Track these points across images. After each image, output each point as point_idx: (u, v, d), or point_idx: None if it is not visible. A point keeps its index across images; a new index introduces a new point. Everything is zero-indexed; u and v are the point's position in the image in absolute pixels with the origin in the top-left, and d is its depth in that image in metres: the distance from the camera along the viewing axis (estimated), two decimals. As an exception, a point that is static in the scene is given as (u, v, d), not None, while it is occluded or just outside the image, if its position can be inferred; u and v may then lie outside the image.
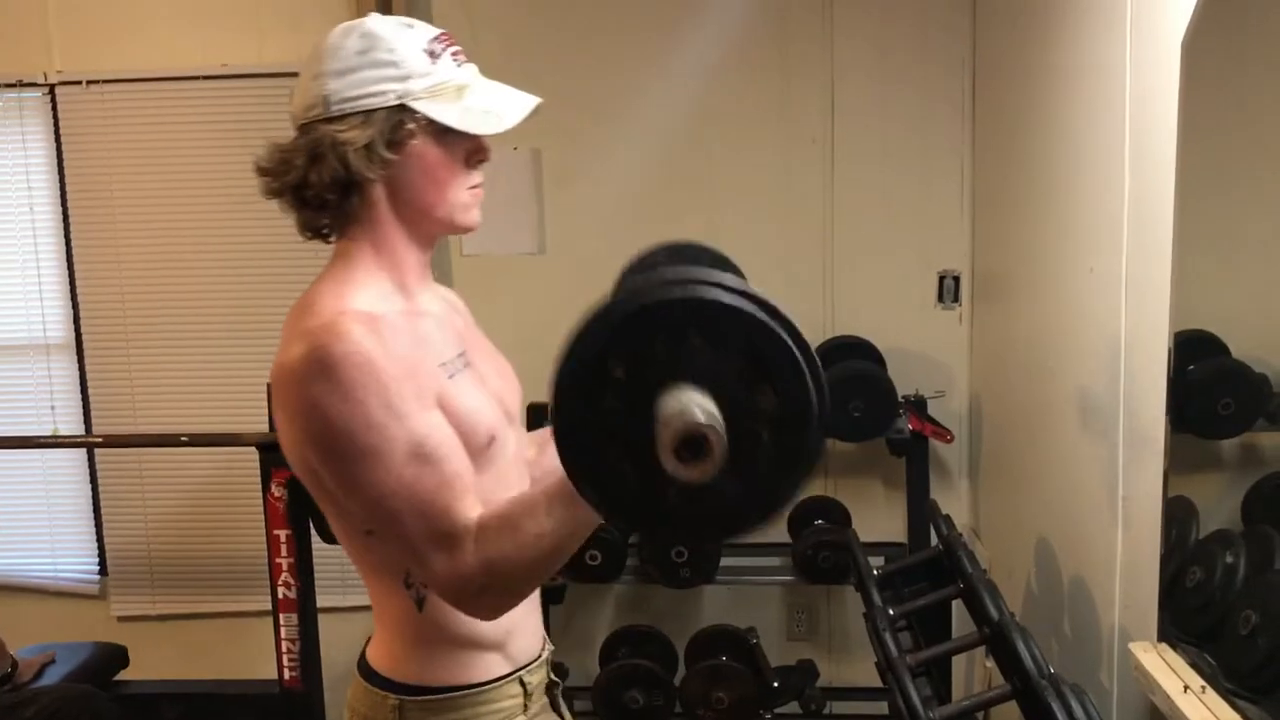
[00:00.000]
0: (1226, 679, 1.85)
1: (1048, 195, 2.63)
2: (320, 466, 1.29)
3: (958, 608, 2.30)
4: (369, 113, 1.30)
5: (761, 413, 1.02)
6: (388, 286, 1.38)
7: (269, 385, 1.34)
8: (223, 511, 3.54)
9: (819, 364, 1.05)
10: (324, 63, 1.32)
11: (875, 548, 3.09)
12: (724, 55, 3.35)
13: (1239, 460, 2.13)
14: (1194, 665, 1.84)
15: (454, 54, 1.36)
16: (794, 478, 1.05)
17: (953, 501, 3.36)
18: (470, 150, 1.37)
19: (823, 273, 3.41)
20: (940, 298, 3.40)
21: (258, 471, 2.76)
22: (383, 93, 1.30)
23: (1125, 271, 2.05)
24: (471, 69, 1.39)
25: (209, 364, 3.47)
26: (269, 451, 2.68)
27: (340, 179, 1.31)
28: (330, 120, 1.30)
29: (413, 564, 1.32)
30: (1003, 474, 3.14)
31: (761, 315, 1.03)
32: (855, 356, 3.21)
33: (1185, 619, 1.92)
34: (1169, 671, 1.84)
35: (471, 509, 1.28)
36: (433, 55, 1.33)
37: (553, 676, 1.59)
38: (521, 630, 1.48)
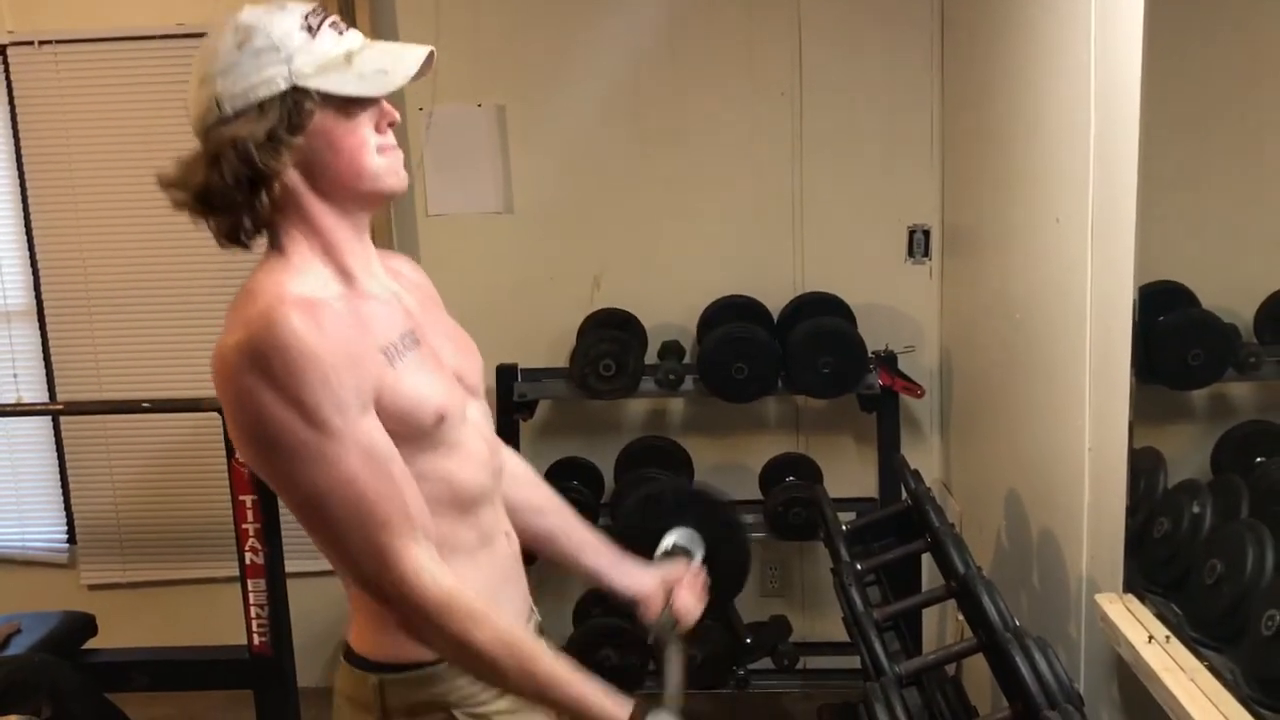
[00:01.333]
0: (1192, 628, 1.85)
1: (1014, 146, 2.61)
2: (254, 459, 1.27)
3: (928, 562, 2.30)
4: (263, 103, 1.27)
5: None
6: (326, 272, 1.34)
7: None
8: (190, 478, 3.51)
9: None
10: (206, 66, 1.28)
11: (846, 503, 3.10)
12: (690, 8, 3.30)
13: (1208, 411, 2.14)
14: (1160, 616, 1.84)
15: (331, 24, 1.31)
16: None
17: (924, 456, 3.36)
18: (376, 115, 1.33)
19: (792, 228, 3.38)
20: (910, 253, 3.39)
21: (221, 437, 2.73)
22: (270, 79, 1.26)
23: (1091, 221, 2.03)
24: (354, 34, 1.34)
25: (172, 329, 3.42)
26: (232, 416, 2.65)
27: (245, 176, 1.26)
28: (228, 121, 1.27)
29: (344, 568, 1.31)
30: (973, 428, 3.14)
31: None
32: (825, 312, 3.20)
33: (1153, 570, 1.92)
34: (1134, 622, 1.85)
35: (417, 535, 1.28)
36: (310, 30, 1.28)
37: None
38: (501, 599, 1.46)
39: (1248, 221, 1.91)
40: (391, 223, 3.31)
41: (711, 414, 3.40)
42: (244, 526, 2.70)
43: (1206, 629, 1.82)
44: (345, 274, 1.36)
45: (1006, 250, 2.68)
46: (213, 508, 3.40)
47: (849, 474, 3.40)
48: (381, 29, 3.27)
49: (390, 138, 1.36)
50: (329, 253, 1.34)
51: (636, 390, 3.12)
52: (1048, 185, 2.33)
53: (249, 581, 2.73)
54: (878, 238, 3.39)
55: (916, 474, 2.43)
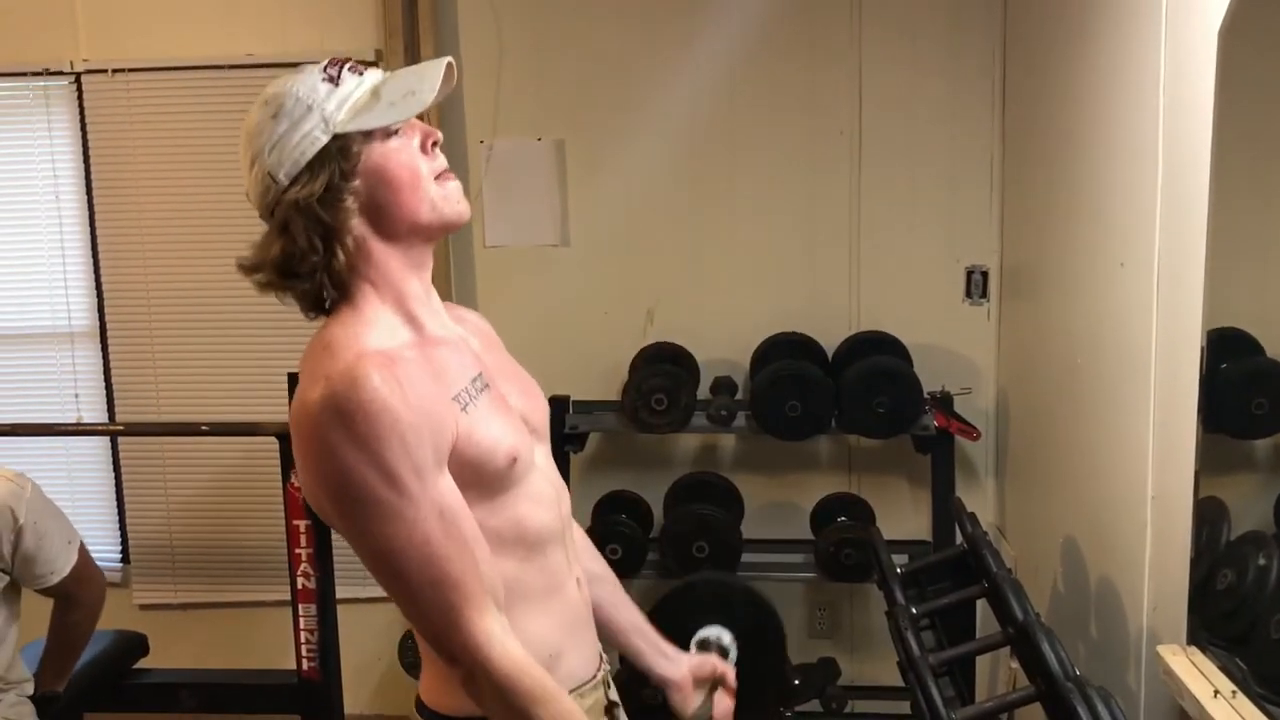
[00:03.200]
0: (1258, 684, 1.81)
1: (1078, 189, 2.58)
2: (332, 511, 1.28)
3: (983, 608, 2.26)
4: (311, 162, 1.30)
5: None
6: (395, 320, 1.35)
7: (289, 422, 1.32)
8: (243, 500, 3.54)
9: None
10: (251, 148, 1.32)
11: (899, 546, 3.06)
12: (750, 45, 3.31)
13: (1272, 461, 2.08)
14: (1224, 669, 1.80)
15: (350, 69, 1.35)
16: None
17: (978, 500, 3.32)
18: (419, 138, 1.35)
19: (849, 266, 3.37)
20: (968, 293, 3.36)
21: (278, 461, 2.76)
22: (311, 136, 1.30)
23: (1157, 266, 2.00)
24: (374, 72, 1.37)
25: (231, 353, 3.47)
26: (289, 441, 2.66)
27: (316, 234, 1.29)
28: (286, 190, 1.30)
29: (418, 627, 1.32)
30: (1030, 473, 3.10)
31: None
32: (881, 352, 3.17)
33: (1216, 622, 1.87)
34: (1198, 675, 1.80)
35: (487, 603, 1.29)
36: (333, 80, 1.32)
37: (611, 696, 1.56)
38: (569, 651, 1.45)
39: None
40: (450, 254, 3.34)
41: (763, 451, 3.38)
42: (297, 551, 2.72)
43: (1273, 684, 1.78)
44: (413, 321, 1.37)
45: (1067, 293, 2.65)
46: (263, 531, 3.44)
47: (902, 516, 3.36)
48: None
49: (443, 161, 1.38)
50: (399, 302, 1.36)
51: (688, 425, 3.11)
52: (1112, 229, 2.30)
53: (300, 606, 2.75)
54: (935, 277, 3.36)
55: (973, 517, 2.40)
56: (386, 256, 1.34)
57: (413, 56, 3.29)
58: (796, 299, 3.35)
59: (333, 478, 1.24)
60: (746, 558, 3.10)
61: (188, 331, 3.52)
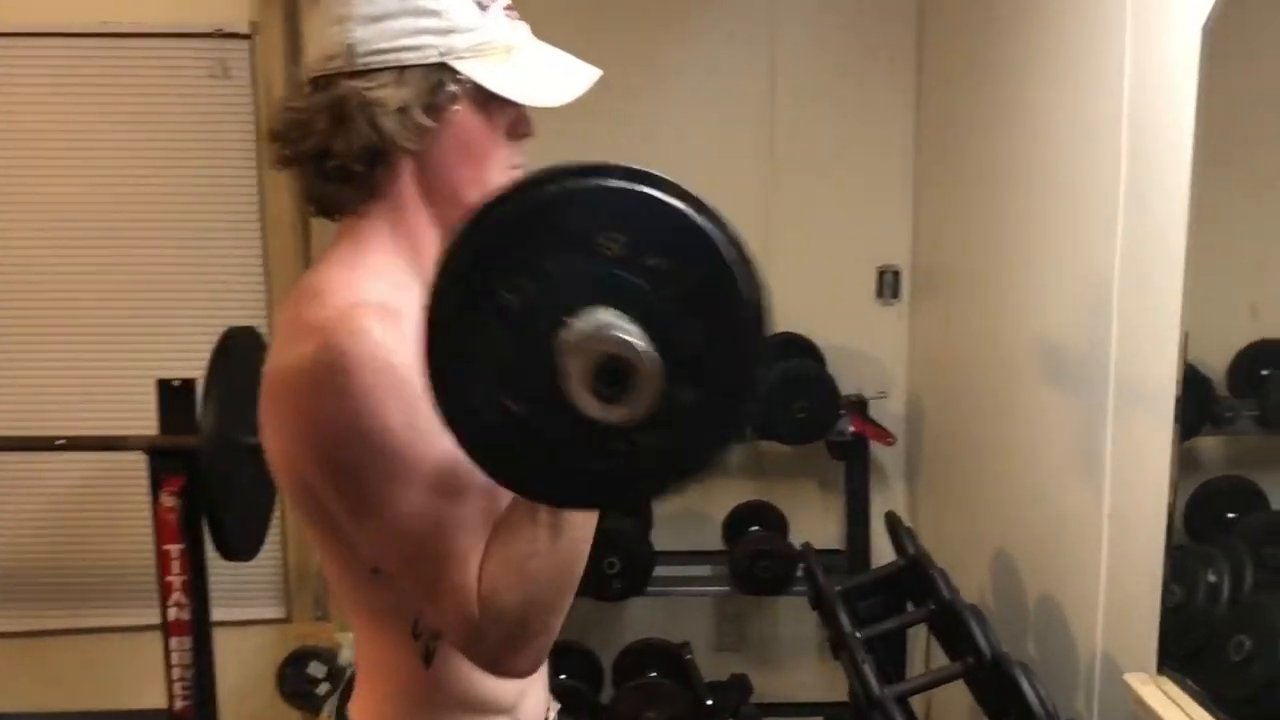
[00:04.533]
0: (1217, 708, 1.74)
1: (1008, 189, 2.50)
2: (327, 489, 1.07)
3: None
4: (403, 69, 1.09)
5: (690, 346, 0.86)
6: (404, 276, 1.14)
7: (264, 388, 1.11)
8: (90, 521, 3.17)
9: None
10: (350, 3, 1.10)
11: (813, 555, 2.95)
12: (663, 34, 3.15)
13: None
14: (1199, 699, 1.72)
15: (506, 8, 1.16)
16: (728, 433, 0.91)
17: (889, 506, 3.22)
18: (512, 123, 1.16)
19: (761, 266, 3.22)
20: (880, 293, 3.26)
21: (133, 478, 2.47)
22: (421, 47, 1.09)
23: (1118, 271, 1.91)
24: (524, 28, 1.18)
25: (85, 360, 3.10)
26: (160, 457, 2.38)
27: (370, 146, 1.09)
28: (355, 75, 1.09)
29: (428, 608, 1.10)
30: (948, 481, 3.02)
31: (701, 220, 0.90)
32: (795, 354, 3.05)
33: (1165, 642, 1.79)
34: (1170, 704, 1.72)
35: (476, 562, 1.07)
36: (482, 7, 1.13)
37: None
38: (533, 689, 1.29)
39: (1224, 276, 1.79)
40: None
41: (670, 458, 3.21)
42: (168, 579, 2.43)
43: (1235, 709, 1.71)
44: (423, 281, 1.17)
45: (1000, 297, 2.56)
46: (117, 554, 3.11)
47: (814, 523, 3.24)
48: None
49: (520, 155, 1.18)
50: (412, 255, 1.16)
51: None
52: (1057, 232, 2.22)
53: (172, 639, 2.46)
54: (847, 277, 3.26)
55: (910, 533, 2.29)
56: (417, 211, 1.15)
57: (292, 29, 2.99)
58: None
59: (328, 442, 1.05)
60: (659, 571, 2.93)
61: (35, 336, 3.13)
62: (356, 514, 1.07)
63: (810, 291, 3.22)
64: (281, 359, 1.07)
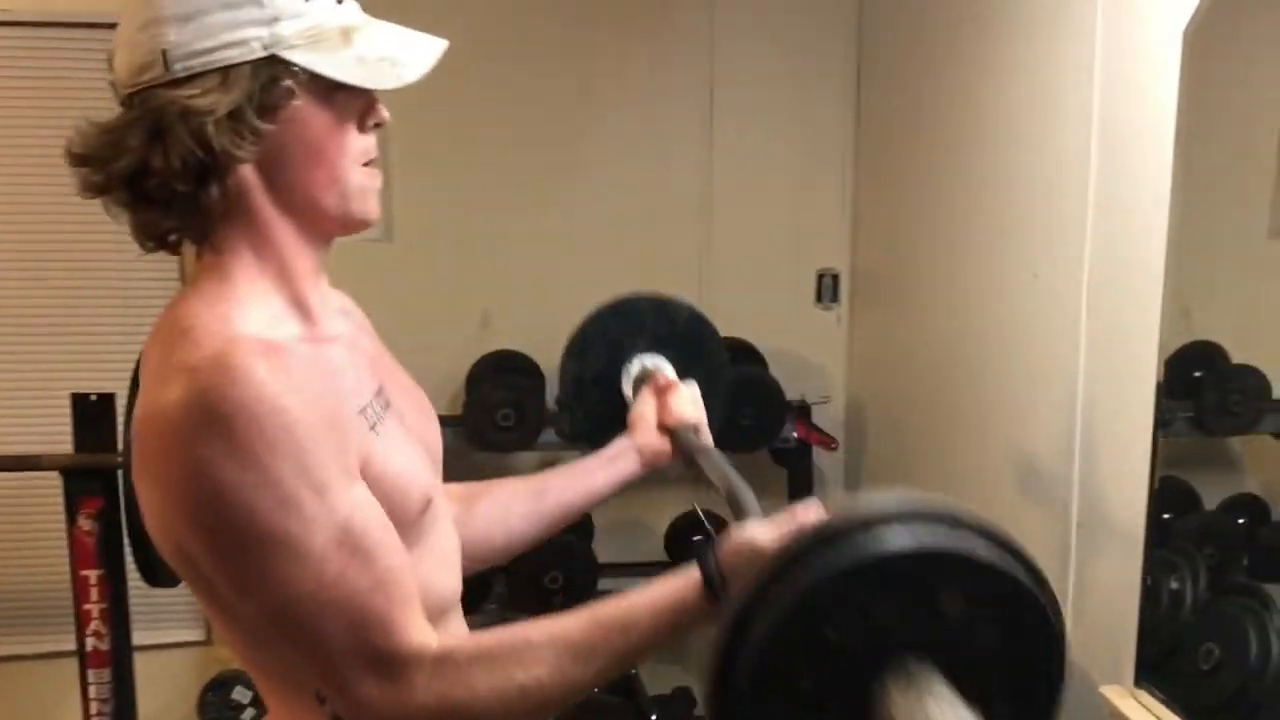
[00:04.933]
0: (1187, 717, 1.73)
1: (957, 192, 2.48)
2: (203, 553, 0.94)
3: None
4: (228, 69, 0.96)
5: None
6: (279, 304, 1.03)
7: (133, 436, 0.98)
8: (2, 544, 2.98)
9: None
10: (157, 5, 0.96)
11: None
12: (599, 39, 3.06)
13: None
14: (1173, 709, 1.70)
15: None
16: None
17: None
18: (362, 112, 1.04)
19: (699, 268, 3.16)
20: (819, 297, 3.22)
21: (49, 498, 2.30)
22: (244, 41, 0.96)
23: (1087, 276, 1.88)
24: (353, 6, 1.06)
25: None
26: (76, 477, 2.22)
27: (196, 162, 0.95)
28: (175, 84, 0.95)
29: (330, 686, 0.98)
30: (893, 486, 2.98)
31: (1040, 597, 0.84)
32: (739, 359, 2.98)
33: (1191, 692, 1.76)
34: (1152, 718, 1.70)
35: (418, 624, 0.97)
36: None
37: None
38: None
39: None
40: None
41: (608, 466, 3.13)
42: (85, 607, 2.27)
43: (1207, 717, 1.70)
44: (301, 307, 1.04)
45: (954, 302, 2.53)
46: (21, 579, 2.92)
47: (754, 531, 3.19)
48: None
49: (374, 146, 1.06)
50: (283, 279, 1.03)
51: (536, 443, 2.83)
52: (1013, 236, 2.19)
53: (90, 671, 2.30)
54: (786, 281, 3.21)
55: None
56: (275, 223, 1.02)
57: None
58: (645, 302, 3.12)
59: (205, 506, 0.91)
60: (602, 585, 2.85)
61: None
62: (240, 583, 0.94)
63: (750, 295, 3.17)
64: (151, 404, 0.94)
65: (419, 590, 1.02)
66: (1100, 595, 1.88)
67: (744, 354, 3.03)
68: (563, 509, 1.37)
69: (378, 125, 1.06)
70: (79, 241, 2.82)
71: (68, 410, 2.25)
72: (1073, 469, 1.94)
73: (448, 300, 3.10)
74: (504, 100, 3.05)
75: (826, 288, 3.22)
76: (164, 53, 0.95)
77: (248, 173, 0.99)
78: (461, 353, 3.04)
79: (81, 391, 2.25)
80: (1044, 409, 2.05)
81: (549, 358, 3.04)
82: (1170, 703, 1.73)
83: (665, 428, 1.42)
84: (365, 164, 1.05)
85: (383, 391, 1.10)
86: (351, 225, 1.07)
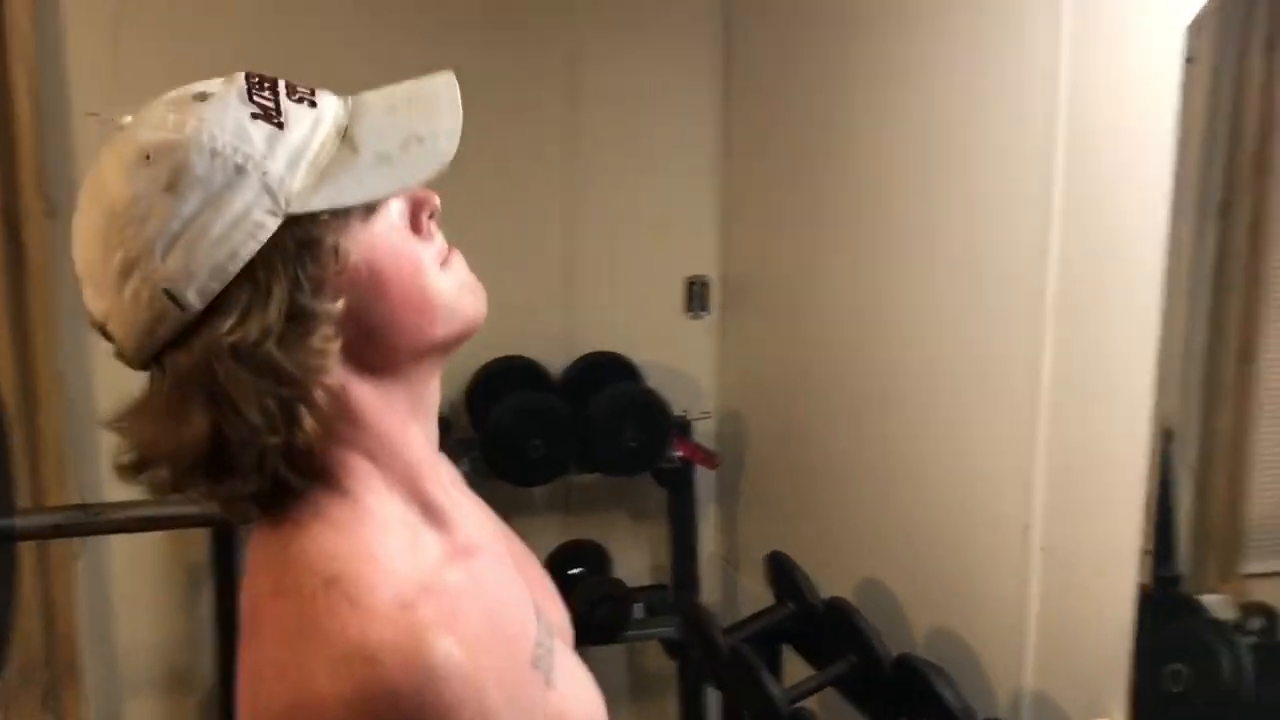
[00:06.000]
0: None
1: (835, 197, 2.39)
2: None
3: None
4: (253, 268, 0.72)
5: None
6: (411, 515, 0.79)
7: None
8: None
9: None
10: (124, 243, 0.72)
11: (636, 594, 2.71)
12: (456, 50, 2.78)
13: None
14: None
15: (291, 95, 0.78)
16: None
17: (702, 528, 3.03)
18: (413, 209, 0.83)
19: (564, 279, 2.94)
20: (689, 306, 3.06)
21: None
22: (252, 224, 0.72)
23: (1050, 281, 1.78)
24: (329, 99, 0.82)
25: None
26: None
27: (274, 397, 0.72)
28: (205, 325, 0.71)
29: None
30: (781, 504, 2.83)
31: None
32: (617, 376, 2.79)
33: (1164, 714, 1.68)
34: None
35: None
36: (270, 115, 0.75)
37: None
38: None
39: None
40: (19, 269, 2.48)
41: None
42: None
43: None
44: (430, 511, 0.81)
45: (828, 306, 2.43)
46: None
47: (630, 557, 3.00)
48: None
49: (440, 237, 0.84)
50: (410, 481, 0.80)
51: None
52: (893, 239, 2.08)
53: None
54: (654, 289, 3.03)
55: (805, 576, 2.09)
56: (381, 407, 0.78)
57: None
58: (510, 318, 2.86)
59: None
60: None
61: None
62: None
63: (618, 306, 2.99)
64: (298, 690, 0.68)
65: None
66: (1069, 628, 1.78)
67: (618, 368, 2.83)
68: None
69: (432, 215, 0.84)
70: None
71: None
72: (1033, 492, 1.83)
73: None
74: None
75: (696, 296, 3.06)
76: (171, 295, 0.70)
77: (338, 369, 0.75)
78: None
79: None
80: (991, 428, 1.94)
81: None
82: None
83: None
84: (443, 264, 0.82)
85: (544, 613, 0.87)
86: (472, 330, 0.84)
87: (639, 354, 2.93)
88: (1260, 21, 1.46)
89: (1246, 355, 1.61)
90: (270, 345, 0.70)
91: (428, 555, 0.77)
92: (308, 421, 0.72)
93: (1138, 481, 1.60)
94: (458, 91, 0.86)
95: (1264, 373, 1.61)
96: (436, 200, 0.84)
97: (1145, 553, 1.63)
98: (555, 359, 2.88)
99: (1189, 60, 1.48)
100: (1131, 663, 1.66)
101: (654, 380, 2.92)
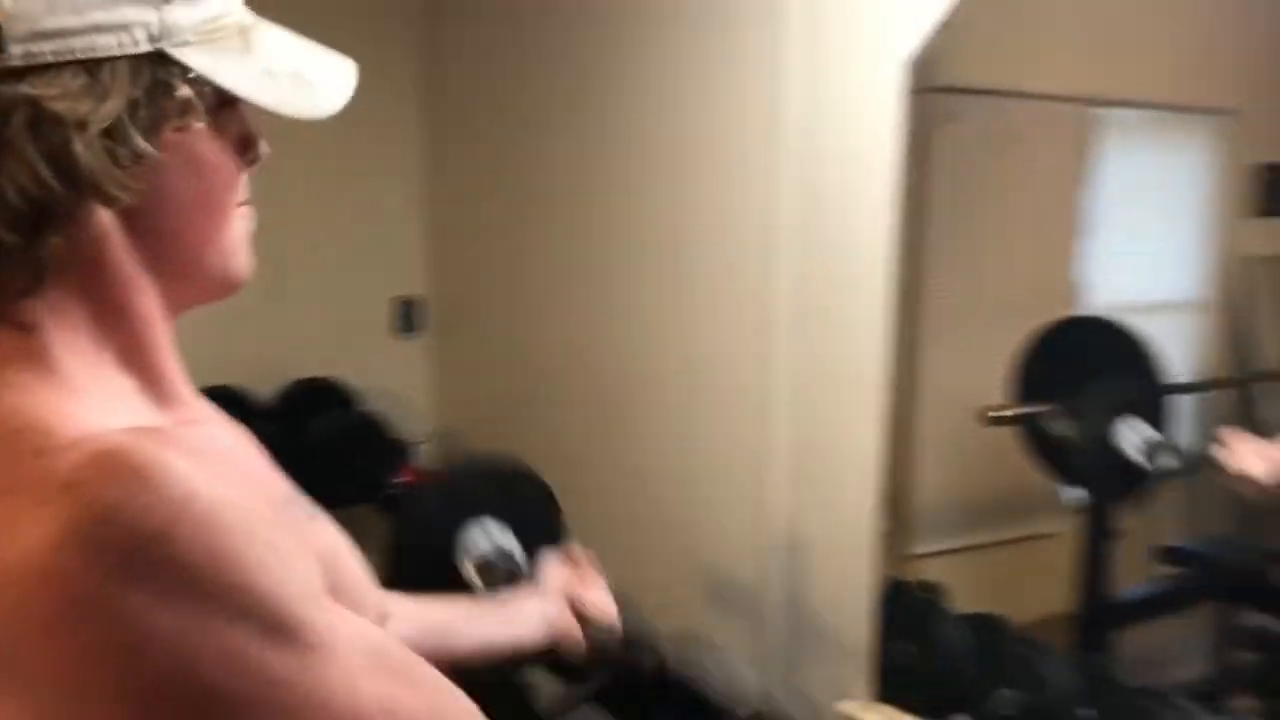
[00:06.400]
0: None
1: (551, 211, 2.45)
2: None
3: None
4: (97, 64, 0.64)
5: None
6: (129, 387, 0.69)
7: None
8: None
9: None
10: None
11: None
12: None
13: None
14: None
15: None
16: None
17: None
18: (239, 142, 0.74)
19: (265, 300, 2.78)
20: (399, 327, 2.99)
21: None
22: (125, 25, 0.65)
23: (782, 303, 1.89)
24: (242, 7, 0.75)
25: None
26: None
27: (40, 196, 0.62)
28: (19, 75, 0.62)
29: None
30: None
31: None
32: (334, 402, 2.68)
33: (900, 689, 1.80)
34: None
35: None
36: None
37: None
38: None
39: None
40: None
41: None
42: None
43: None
44: (163, 388, 0.72)
45: (549, 324, 2.48)
46: None
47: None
48: None
49: (246, 188, 0.76)
50: (134, 355, 0.70)
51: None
52: (609, 251, 2.16)
53: None
54: (362, 310, 2.95)
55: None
56: (133, 283, 0.69)
57: None
58: (207, 342, 2.66)
59: (169, 667, 0.55)
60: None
61: None
62: None
63: (326, 328, 2.88)
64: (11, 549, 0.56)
65: None
66: (812, 616, 1.89)
67: (331, 394, 2.73)
68: (462, 655, 1.11)
69: (254, 162, 0.76)
70: None
71: None
72: (760, 490, 1.93)
73: None
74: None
75: (405, 316, 2.99)
76: (9, 24, 0.60)
77: (104, 217, 0.65)
78: None
79: None
80: (727, 429, 2.03)
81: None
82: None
83: (580, 616, 1.23)
84: (241, 206, 0.76)
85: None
86: (229, 288, 0.76)
87: (350, 377, 2.83)
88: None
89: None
90: (75, 134, 0.62)
91: (145, 420, 0.68)
92: (53, 238, 0.63)
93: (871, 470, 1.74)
94: (353, 78, 0.79)
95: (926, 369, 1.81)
96: (267, 152, 0.76)
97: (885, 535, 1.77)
98: (260, 385, 2.73)
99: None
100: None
101: (368, 404, 2.84)
